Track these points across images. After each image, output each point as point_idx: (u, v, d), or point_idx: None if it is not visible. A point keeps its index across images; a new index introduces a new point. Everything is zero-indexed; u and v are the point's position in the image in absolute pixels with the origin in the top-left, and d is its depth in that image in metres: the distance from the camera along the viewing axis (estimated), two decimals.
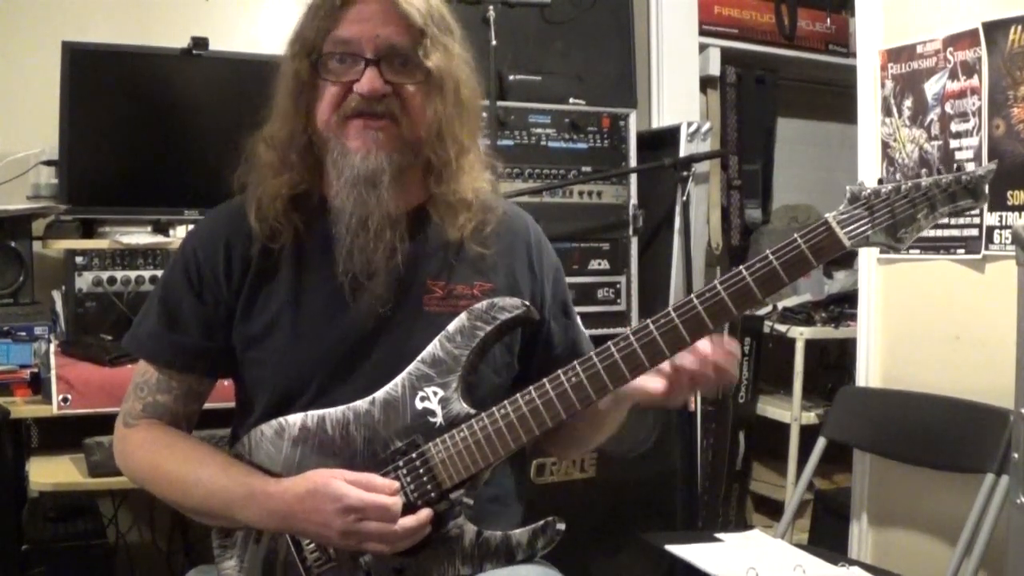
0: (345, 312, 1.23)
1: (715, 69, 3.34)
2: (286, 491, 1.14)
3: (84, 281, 2.22)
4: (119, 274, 2.24)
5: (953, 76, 2.09)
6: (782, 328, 2.87)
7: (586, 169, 2.67)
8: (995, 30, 1.98)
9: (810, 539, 2.64)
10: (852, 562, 1.94)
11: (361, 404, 1.20)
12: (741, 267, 1.10)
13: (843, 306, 2.93)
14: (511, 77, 2.63)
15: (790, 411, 2.84)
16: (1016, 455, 1.57)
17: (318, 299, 1.24)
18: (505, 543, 1.18)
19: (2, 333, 2.08)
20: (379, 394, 1.20)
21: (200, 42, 2.30)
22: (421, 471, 1.17)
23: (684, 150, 2.75)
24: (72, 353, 2.06)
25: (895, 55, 2.24)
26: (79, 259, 2.22)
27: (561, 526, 1.19)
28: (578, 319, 1.41)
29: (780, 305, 2.95)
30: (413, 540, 1.14)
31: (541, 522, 1.20)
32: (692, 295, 1.12)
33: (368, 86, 1.17)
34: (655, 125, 3.13)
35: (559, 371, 1.16)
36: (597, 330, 2.10)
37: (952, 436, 1.96)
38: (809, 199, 3.60)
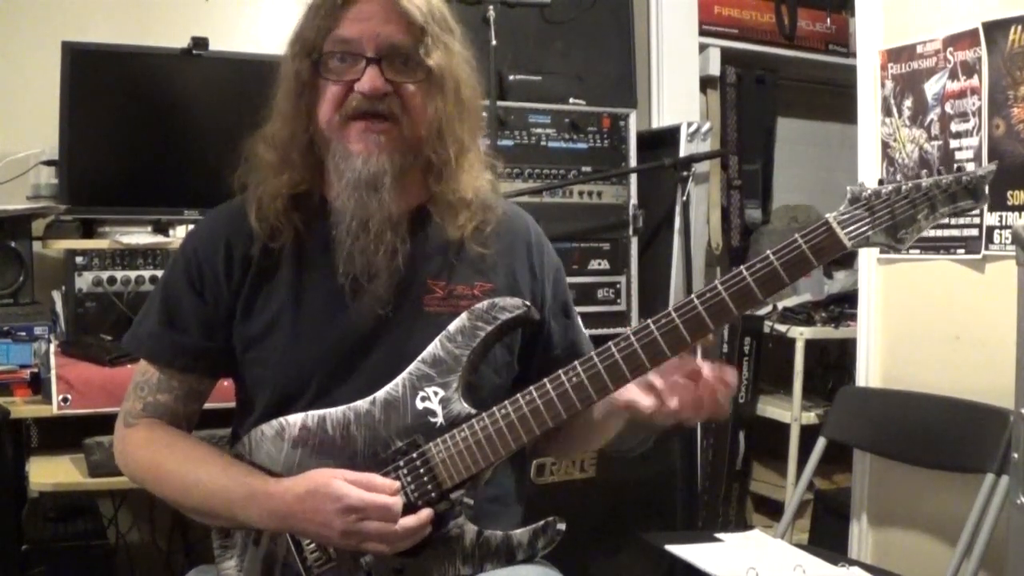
0: (345, 312, 1.22)
1: (715, 69, 3.34)
2: (287, 491, 1.14)
3: (84, 281, 2.22)
4: (119, 274, 2.24)
5: (953, 76, 2.09)
6: (782, 328, 2.87)
7: (586, 169, 2.67)
8: (995, 30, 1.98)
9: (810, 539, 2.64)
10: (852, 562, 1.94)
11: (362, 404, 1.20)
12: (742, 267, 1.10)
13: (843, 306, 2.93)
14: (511, 77, 2.63)
15: (790, 411, 2.84)
16: (1016, 455, 1.57)
17: (318, 299, 1.24)
18: (506, 543, 1.18)
19: (2, 333, 2.08)
20: (380, 394, 1.20)
21: (200, 42, 2.30)
22: (422, 471, 1.17)
23: (684, 150, 2.75)
24: (72, 353, 2.06)
25: (895, 55, 2.24)
26: (79, 259, 2.22)
27: (562, 526, 1.19)
28: (578, 319, 1.41)
29: (780, 305, 2.94)
30: (414, 540, 1.14)
31: (542, 522, 1.19)
32: (693, 295, 1.12)
33: (369, 85, 1.17)
34: (655, 125, 3.13)
35: (560, 371, 1.15)
36: (597, 330, 2.09)
37: (952, 436, 1.96)
38: (809, 199, 3.59)
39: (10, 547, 1.93)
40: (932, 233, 2.10)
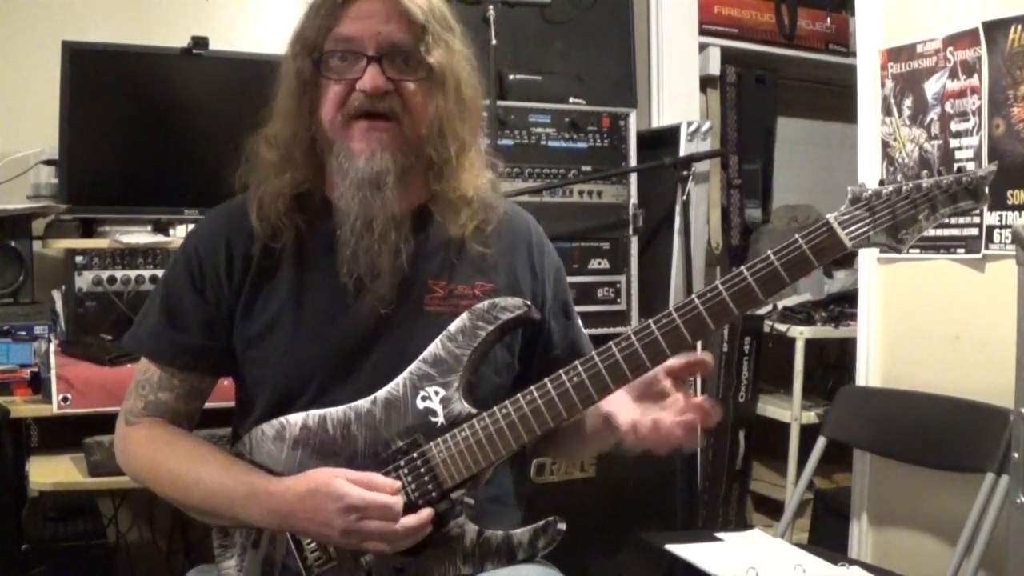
0: (346, 311, 1.23)
1: (715, 69, 3.34)
2: (287, 490, 1.14)
3: (84, 281, 2.22)
4: (119, 274, 2.24)
5: (953, 75, 2.09)
6: (782, 327, 2.87)
7: (586, 169, 2.67)
8: (995, 29, 1.98)
9: (810, 539, 2.64)
10: (852, 562, 1.94)
11: (362, 404, 1.20)
12: (742, 267, 1.10)
13: (843, 305, 2.93)
14: (511, 77, 2.63)
15: (790, 411, 2.84)
16: (1016, 455, 1.57)
17: (319, 298, 1.24)
18: (506, 543, 1.19)
19: (2, 333, 2.08)
20: (380, 394, 1.20)
21: (200, 42, 2.30)
22: (422, 470, 1.17)
23: (684, 149, 2.75)
24: (72, 353, 2.06)
25: (895, 55, 2.24)
26: (79, 259, 2.22)
27: (562, 526, 1.19)
28: (578, 320, 1.41)
29: (780, 304, 2.95)
30: (414, 539, 1.14)
31: (542, 522, 1.20)
32: (694, 295, 1.12)
33: (370, 83, 1.17)
34: (655, 125, 3.13)
35: (560, 371, 1.15)
36: (597, 330, 2.09)
37: (952, 436, 1.96)
38: (809, 199, 3.59)
39: (10, 547, 1.93)
40: (932, 233, 2.08)
